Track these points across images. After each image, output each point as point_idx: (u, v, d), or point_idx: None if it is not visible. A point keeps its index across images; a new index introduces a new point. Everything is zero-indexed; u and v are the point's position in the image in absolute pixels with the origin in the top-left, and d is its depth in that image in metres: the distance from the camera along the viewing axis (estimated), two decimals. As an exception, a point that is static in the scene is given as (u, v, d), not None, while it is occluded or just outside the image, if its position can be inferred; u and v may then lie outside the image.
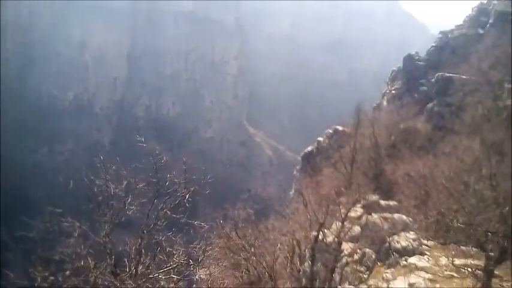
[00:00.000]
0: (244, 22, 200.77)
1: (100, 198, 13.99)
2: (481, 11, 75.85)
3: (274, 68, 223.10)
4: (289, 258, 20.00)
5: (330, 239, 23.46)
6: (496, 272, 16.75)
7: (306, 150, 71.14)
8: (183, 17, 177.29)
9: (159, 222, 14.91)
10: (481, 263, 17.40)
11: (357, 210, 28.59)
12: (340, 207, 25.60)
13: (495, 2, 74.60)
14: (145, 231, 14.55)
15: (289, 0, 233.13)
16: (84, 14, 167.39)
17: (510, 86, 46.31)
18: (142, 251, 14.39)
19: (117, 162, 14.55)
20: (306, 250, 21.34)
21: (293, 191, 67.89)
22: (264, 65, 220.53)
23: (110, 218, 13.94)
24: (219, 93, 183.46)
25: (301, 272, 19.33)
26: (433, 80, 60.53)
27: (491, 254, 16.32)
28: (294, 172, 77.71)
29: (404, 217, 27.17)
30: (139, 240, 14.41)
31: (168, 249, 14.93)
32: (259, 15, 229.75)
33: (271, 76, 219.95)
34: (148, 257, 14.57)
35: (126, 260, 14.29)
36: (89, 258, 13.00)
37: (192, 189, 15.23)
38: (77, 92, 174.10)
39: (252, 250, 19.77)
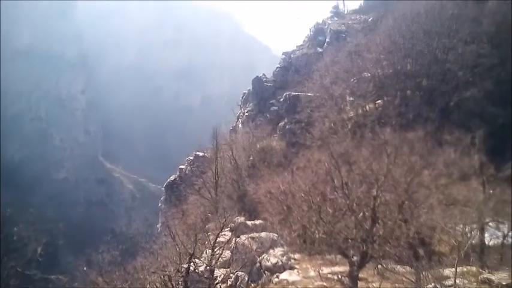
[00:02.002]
0: (88, 54, 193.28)
1: None
2: (318, 31, 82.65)
3: (125, 99, 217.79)
4: (162, 296, 19.22)
5: (202, 268, 23.13)
6: (361, 275, 17.77)
7: (168, 180, 70.12)
8: (21, 54, 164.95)
9: (11, 282, 13.43)
10: (346, 269, 18.35)
11: (226, 235, 28.65)
12: (209, 234, 25.43)
13: (329, 21, 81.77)
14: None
15: (132, 30, 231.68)
16: None
17: (352, 99, 50.52)
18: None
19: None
20: (179, 284, 20.74)
21: (160, 224, 66.25)
22: (115, 97, 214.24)
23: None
24: (68, 130, 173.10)
25: (176, 308, 18.67)
26: (281, 99, 63.85)
27: (354, 259, 17.29)
28: (159, 204, 76.05)
29: (271, 234, 27.88)
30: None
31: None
32: (104, 46, 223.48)
33: (123, 107, 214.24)
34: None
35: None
36: None
37: (44, 241, 13.98)
38: None
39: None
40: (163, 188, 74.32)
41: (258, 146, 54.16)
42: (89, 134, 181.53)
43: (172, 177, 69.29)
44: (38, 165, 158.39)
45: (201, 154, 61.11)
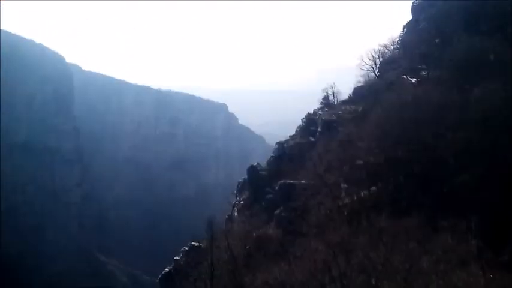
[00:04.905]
0: (84, 148, 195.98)
1: None
2: (310, 121, 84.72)
3: (120, 191, 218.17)
4: None
5: None
6: None
7: (163, 272, 68.36)
8: (17, 148, 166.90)
9: None
10: None
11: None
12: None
13: (320, 112, 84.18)
14: None
15: (128, 124, 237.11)
16: None
17: (346, 186, 50.83)
18: None
19: None
20: None
21: (154, 318, 63.83)
22: (110, 189, 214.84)
23: None
24: (63, 223, 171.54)
25: None
26: (276, 187, 64.13)
27: None
28: (153, 298, 73.70)
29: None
30: None
31: None
32: (100, 140, 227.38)
33: (118, 200, 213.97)
34: None
35: None
36: None
37: None
38: None
39: None
40: (158, 281, 72.33)
41: (254, 234, 53.67)
42: (83, 227, 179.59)
43: (167, 269, 67.62)
44: (31, 259, 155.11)
45: (196, 244, 60.14)
